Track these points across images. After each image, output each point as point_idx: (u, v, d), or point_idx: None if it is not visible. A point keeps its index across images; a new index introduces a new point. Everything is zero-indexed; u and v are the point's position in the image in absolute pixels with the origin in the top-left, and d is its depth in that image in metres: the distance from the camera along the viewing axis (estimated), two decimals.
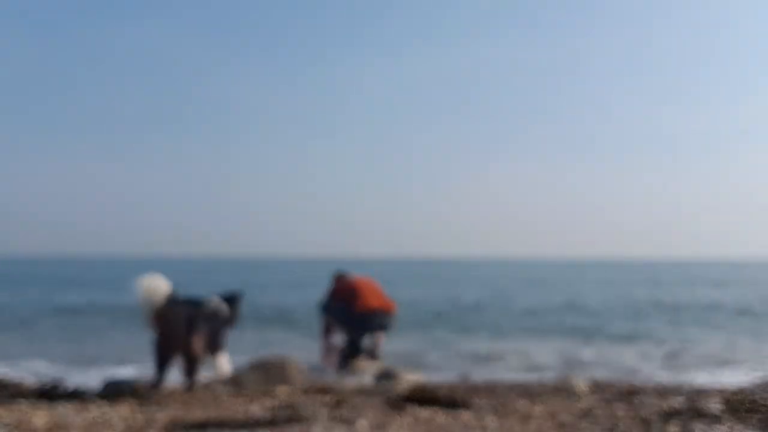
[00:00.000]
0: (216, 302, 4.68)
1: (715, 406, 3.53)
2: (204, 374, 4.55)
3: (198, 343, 4.37)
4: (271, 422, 3.20)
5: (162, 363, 4.31)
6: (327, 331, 6.34)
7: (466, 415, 3.44)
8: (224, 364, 4.66)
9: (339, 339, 6.37)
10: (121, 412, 3.50)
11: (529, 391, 4.31)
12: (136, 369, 5.69)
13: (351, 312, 6.05)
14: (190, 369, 4.34)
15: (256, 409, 3.63)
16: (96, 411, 3.51)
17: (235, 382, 4.55)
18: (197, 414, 3.45)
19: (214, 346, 4.60)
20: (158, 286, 4.34)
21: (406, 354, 7.36)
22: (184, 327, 4.32)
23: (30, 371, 5.70)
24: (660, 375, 5.87)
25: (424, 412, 3.49)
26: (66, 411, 3.49)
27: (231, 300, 4.80)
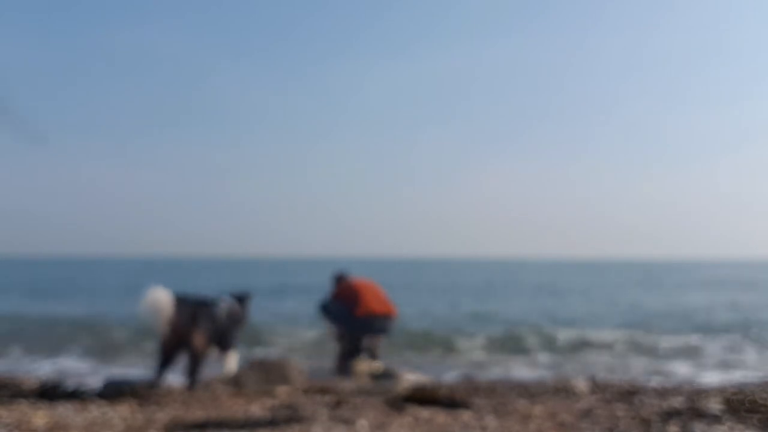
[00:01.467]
0: (224, 302, 4.76)
1: (715, 406, 3.53)
2: (206, 374, 4.55)
3: (200, 340, 4.38)
4: (271, 422, 3.20)
5: (164, 360, 4.32)
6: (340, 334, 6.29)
7: (466, 415, 3.44)
8: (232, 362, 4.72)
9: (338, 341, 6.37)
10: (121, 412, 3.50)
11: (529, 391, 4.31)
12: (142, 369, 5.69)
13: (352, 315, 6.05)
14: (193, 367, 4.35)
15: (256, 409, 3.63)
16: (96, 411, 3.51)
17: (235, 382, 4.55)
18: (197, 414, 3.45)
19: (222, 345, 4.68)
20: (161, 300, 4.31)
21: (406, 354, 7.36)
22: (187, 324, 4.34)
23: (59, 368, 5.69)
24: (659, 375, 5.87)
25: (424, 412, 3.49)
26: (66, 411, 3.49)
27: (240, 300, 4.95)
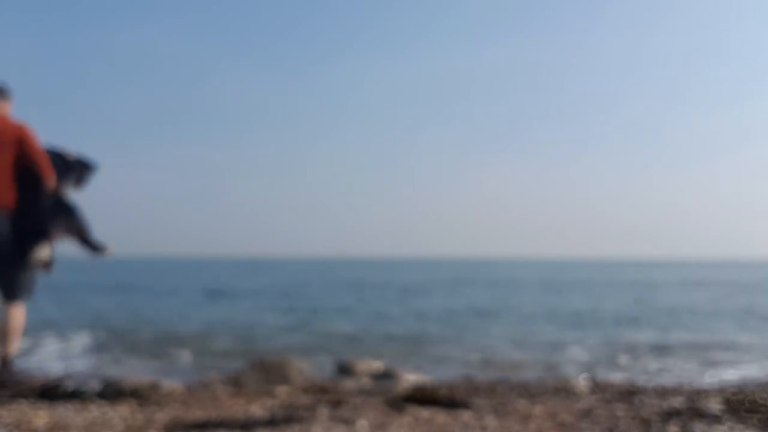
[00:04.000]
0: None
1: (715, 406, 3.53)
2: (205, 374, 4.55)
3: None
4: (271, 422, 3.20)
5: None
6: None
7: (466, 415, 3.44)
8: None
9: None
10: (121, 412, 3.50)
11: (529, 391, 4.31)
12: None
13: None
14: None
15: (256, 409, 3.62)
16: (96, 411, 3.51)
17: (235, 382, 4.55)
18: (197, 414, 3.45)
19: None
20: None
21: (406, 354, 7.37)
22: None
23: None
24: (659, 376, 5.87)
25: (424, 412, 3.49)
26: (66, 411, 3.49)
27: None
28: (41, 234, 4.13)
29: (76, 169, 4.19)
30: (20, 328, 4.34)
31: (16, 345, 4.36)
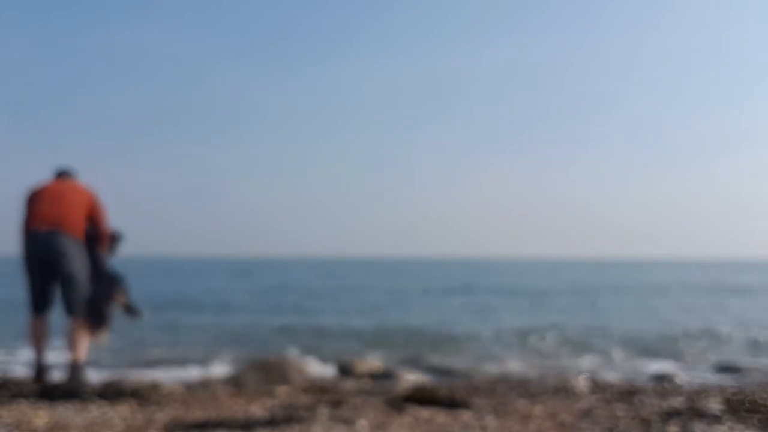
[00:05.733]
0: None
1: (715, 406, 3.53)
2: (204, 375, 4.54)
3: None
4: (271, 422, 3.20)
5: None
6: None
7: (466, 415, 3.44)
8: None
9: None
10: (121, 412, 3.50)
11: (529, 391, 4.31)
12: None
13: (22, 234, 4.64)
14: None
15: (256, 409, 3.62)
16: (96, 411, 3.51)
17: (235, 382, 4.55)
18: (197, 414, 3.45)
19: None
20: None
21: (407, 354, 7.36)
22: None
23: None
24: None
25: (424, 412, 3.49)
26: (66, 411, 3.49)
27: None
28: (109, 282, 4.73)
29: (114, 239, 4.91)
30: (85, 338, 4.57)
31: (83, 353, 4.53)
